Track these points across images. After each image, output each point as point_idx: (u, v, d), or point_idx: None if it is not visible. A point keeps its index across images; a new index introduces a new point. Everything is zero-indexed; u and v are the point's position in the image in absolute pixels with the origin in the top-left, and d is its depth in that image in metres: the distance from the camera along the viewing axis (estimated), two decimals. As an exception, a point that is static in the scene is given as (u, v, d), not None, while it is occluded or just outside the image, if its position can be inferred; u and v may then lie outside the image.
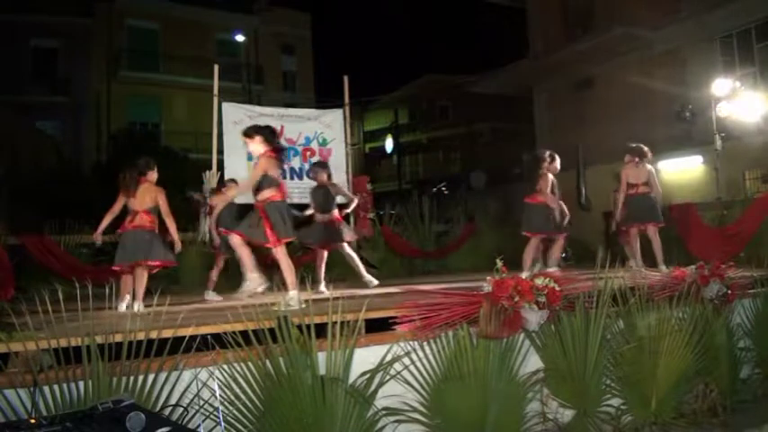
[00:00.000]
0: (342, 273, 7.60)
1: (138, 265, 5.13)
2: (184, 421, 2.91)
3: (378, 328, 3.78)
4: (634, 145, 7.05)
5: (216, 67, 8.24)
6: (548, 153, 6.57)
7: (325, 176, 6.38)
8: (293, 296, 4.50)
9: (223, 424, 3.04)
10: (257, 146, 4.78)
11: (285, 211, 4.75)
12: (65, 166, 17.24)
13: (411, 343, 3.55)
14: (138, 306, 4.95)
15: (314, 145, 8.49)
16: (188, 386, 3.14)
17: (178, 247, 5.42)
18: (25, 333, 3.13)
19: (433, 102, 29.62)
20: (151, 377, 3.06)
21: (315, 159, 8.40)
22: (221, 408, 3.05)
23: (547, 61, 17.34)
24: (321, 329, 3.33)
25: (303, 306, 4.24)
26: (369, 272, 6.72)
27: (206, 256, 8.49)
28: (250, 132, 4.83)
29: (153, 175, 5.45)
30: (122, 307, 5.05)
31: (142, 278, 5.13)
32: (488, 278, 3.64)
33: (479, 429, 3.53)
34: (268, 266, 5.45)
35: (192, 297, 6.52)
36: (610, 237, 8.91)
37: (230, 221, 5.97)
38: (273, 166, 4.75)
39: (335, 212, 6.33)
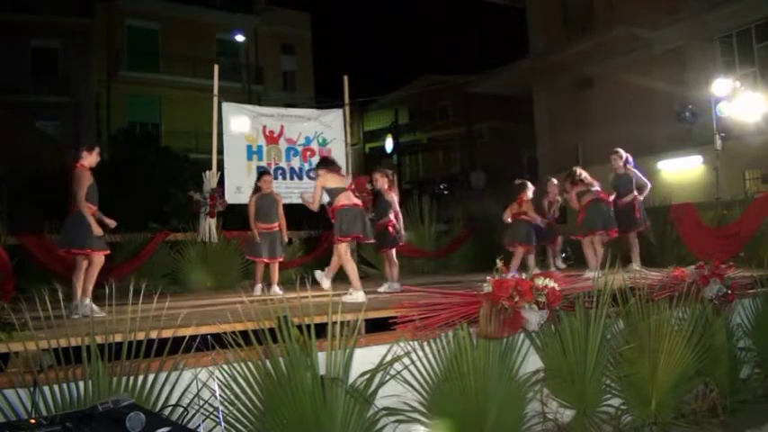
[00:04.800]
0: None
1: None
2: (184, 421, 2.91)
3: (378, 328, 3.78)
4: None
5: (216, 67, 8.22)
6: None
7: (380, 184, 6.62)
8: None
9: (223, 424, 3.04)
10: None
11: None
12: (65, 166, 17.23)
13: (411, 343, 3.55)
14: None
15: (314, 145, 8.48)
16: (188, 386, 3.14)
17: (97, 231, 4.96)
18: (25, 333, 3.13)
19: (433, 102, 29.59)
20: (151, 377, 3.06)
21: (315, 159, 8.40)
22: (221, 408, 3.05)
23: (547, 61, 17.33)
24: (321, 329, 3.33)
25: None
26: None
27: (205, 256, 8.51)
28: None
29: (89, 159, 5.11)
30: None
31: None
32: (488, 278, 3.64)
33: (479, 429, 3.53)
34: None
35: (193, 297, 6.53)
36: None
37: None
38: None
39: (389, 217, 6.46)
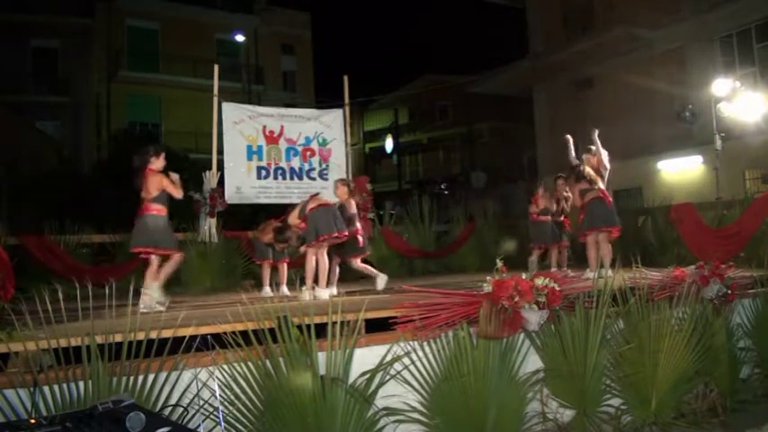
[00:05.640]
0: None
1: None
2: (184, 421, 2.91)
3: (378, 328, 3.78)
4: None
5: (216, 67, 8.23)
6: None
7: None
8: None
9: (223, 424, 3.04)
10: None
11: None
12: (65, 166, 17.25)
13: (411, 343, 3.55)
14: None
15: (314, 145, 8.49)
16: (188, 386, 3.14)
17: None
18: (25, 333, 3.13)
19: (433, 102, 29.60)
20: (151, 377, 3.06)
21: (315, 159, 8.41)
22: (221, 408, 3.05)
23: (547, 61, 17.34)
24: (321, 329, 3.33)
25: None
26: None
27: (205, 256, 8.51)
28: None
29: (157, 164, 5.47)
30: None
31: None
32: (488, 278, 3.63)
33: (479, 429, 3.53)
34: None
35: (193, 297, 6.53)
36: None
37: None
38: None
39: (357, 226, 6.41)
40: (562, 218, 8.10)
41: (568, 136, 7.05)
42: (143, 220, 5.27)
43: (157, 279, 5.27)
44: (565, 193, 8.04)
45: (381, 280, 6.18)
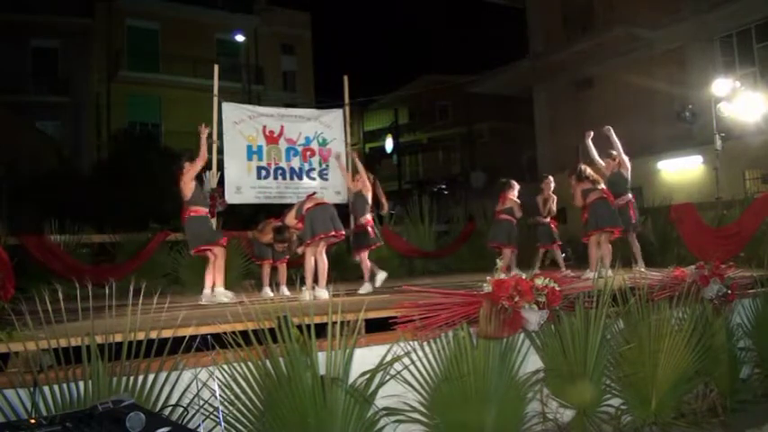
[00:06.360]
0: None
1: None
2: (184, 421, 2.91)
3: (378, 328, 3.78)
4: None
5: (216, 67, 8.21)
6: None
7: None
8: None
9: (223, 424, 3.04)
10: None
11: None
12: (65, 166, 17.25)
13: (411, 343, 3.55)
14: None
15: (314, 145, 8.47)
16: (188, 386, 3.14)
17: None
18: (25, 333, 3.13)
19: (433, 102, 29.60)
20: (151, 377, 3.06)
21: (315, 159, 8.40)
22: (221, 408, 3.05)
23: (547, 61, 17.35)
24: (321, 329, 3.33)
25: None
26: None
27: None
28: None
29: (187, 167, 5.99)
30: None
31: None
32: (488, 278, 3.63)
33: (479, 429, 3.52)
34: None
35: (193, 297, 6.53)
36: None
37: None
38: None
39: (366, 217, 6.48)
40: (548, 219, 7.93)
41: (590, 132, 7.14)
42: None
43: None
44: (552, 193, 7.98)
45: (365, 288, 6.14)
